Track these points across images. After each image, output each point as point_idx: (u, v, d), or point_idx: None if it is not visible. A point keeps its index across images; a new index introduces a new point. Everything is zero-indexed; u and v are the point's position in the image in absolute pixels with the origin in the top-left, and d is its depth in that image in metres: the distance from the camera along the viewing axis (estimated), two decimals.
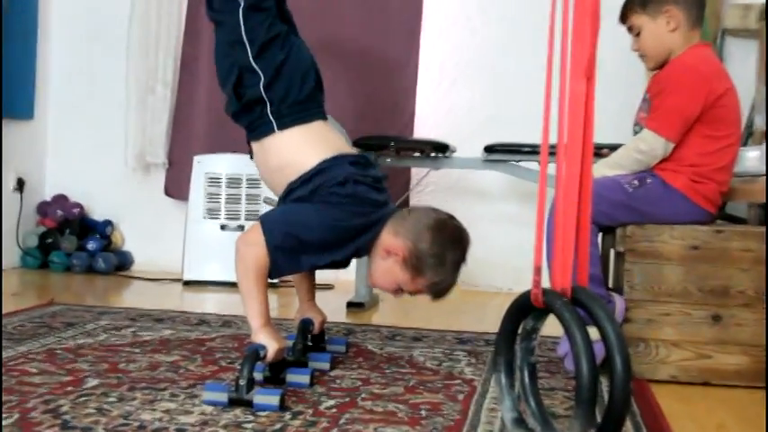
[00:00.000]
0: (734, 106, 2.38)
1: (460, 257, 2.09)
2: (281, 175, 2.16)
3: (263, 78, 2.15)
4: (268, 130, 2.17)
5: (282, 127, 2.15)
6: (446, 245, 2.06)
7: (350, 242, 2.09)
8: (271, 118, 2.16)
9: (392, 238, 2.08)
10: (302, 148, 2.15)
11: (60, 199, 4.38)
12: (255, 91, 2.16)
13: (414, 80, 4.14)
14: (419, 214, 2.12)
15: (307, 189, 2.08)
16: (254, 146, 2.25)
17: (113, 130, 4.35)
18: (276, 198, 2.26)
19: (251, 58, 2.16)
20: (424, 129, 4.15)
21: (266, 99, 2.16)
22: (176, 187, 4.29)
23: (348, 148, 2.24)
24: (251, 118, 2.20)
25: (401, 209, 2.17)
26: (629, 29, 2.46)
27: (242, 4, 2.16)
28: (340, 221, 2.05)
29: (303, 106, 2.18)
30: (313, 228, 2.04)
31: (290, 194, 2.12)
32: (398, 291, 2.12)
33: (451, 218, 2.13)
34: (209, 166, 4.01)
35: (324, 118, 2.25)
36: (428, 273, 2.06)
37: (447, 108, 4.20)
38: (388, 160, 3.58)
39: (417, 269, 2.06)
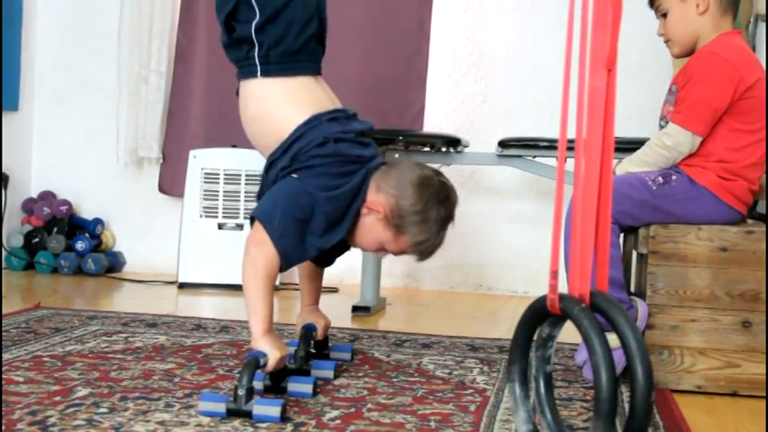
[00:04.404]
0: (765, 97, 2.38)
1: (447, 215, 2.10)
2: (257, 128, 2.19)
3: (258, 17, 2.15)
4: (251, 73, 2.18)
5: (266, 74, 2.17)
6: (431, 202, 2.07)
7: (347, 212, 2.11)
8: (256, 61, 2.17)
9: (373, 194, 2.10)
10: (280, 102, 2.17)
11: (47, 196, 4.40)
12: (247, 29, 2.16)
13: (424, 71, 4.14)
14: (402, 169, 2.14)
15: (287, 157, 2.10)
16: (240, 84, 2.26)
17: (104, 123, 4.37)
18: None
19: None
20: (434, 122, 4.16)
21: (255, 41, 2.16)
22: (171, 183, 4.31)
23: (330, 105, 2.22)
24: (238, 55, 2.22)
25: (384, 163, 2.18)
26: (656, 10, 2.47)
27: None
28: (331, 191, 2.06)
29: (294, 57, 2.18)
30: (306, 205, 2.05)
31: (272, 167, 2.15)
32: (381, 250, 2.15)
33: (437, 173, 2.14)
34: (206, 161, 4.02)
35: (315, 73, 2.25)
36: (411, 231, 2.08)
37: (459, 100, 4.21)
38: (397, 155, 3.59)
39: (400, 227, 2.08)
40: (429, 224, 2.07)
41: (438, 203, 2.08)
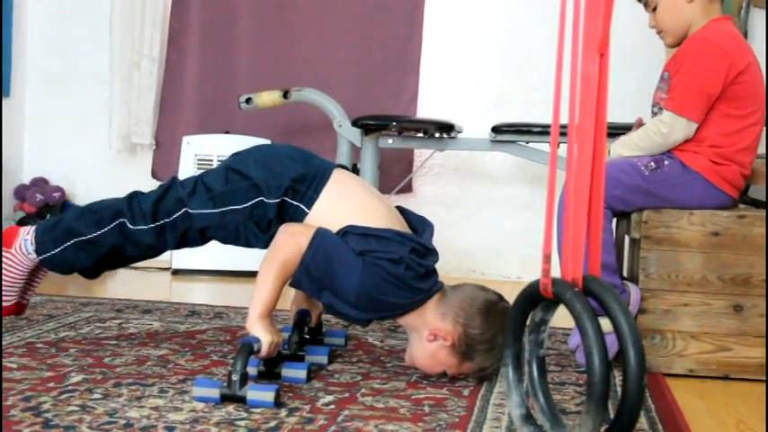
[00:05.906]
0: (757, 82, 2.39)
1: None
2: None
3: (263, 196, 2.12)
4: (300, 216, 2.13)
5: (310, 203, 2.13)
6: (497, 330, 2.04)
7: (376, 312, 2.11)
8: (296, 204, 2.13)
9: (439, 321, 2.06)
10: (341, 208, 2.12)
11: (40, 182, 4.39)
12: (271, 208, 2.12)
13: (417, 56, 4.14)
14: (467, 295, 2.10)
15: (360, 245, 2.03)
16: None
17: (96, 109, 4.36)
18: None
19: (244, 206, 2.13)
20: (427, 108, 4.15)
21: (281, 199, 2.12)
22: (164, 170, 4.29)
23: (396, 216, 2.20)
24: (288, 218, 2.15)
25: (445, 286, 2.14)
26: (646, 5, 2.47)
27: (186, 204, 2.14)
28: (378, 294, 2.03)
29: (312, 175, 2.14)
30: (349, 287, 2.03)
31: (343, 235, 2.07)
32: (440, 372, 2.12)
33: (501, 298, 2.12)
34: (199, 147, 4.01)
35: (335, 166, 2.22)
36: (477, 358, 2.06)
37: (452, 86, 4.20)
38: (390, 141, 3.59)
39: (467, 355, 2.06)
40: (495, 351, 2.05)
41: (504, 331, 2.06)
